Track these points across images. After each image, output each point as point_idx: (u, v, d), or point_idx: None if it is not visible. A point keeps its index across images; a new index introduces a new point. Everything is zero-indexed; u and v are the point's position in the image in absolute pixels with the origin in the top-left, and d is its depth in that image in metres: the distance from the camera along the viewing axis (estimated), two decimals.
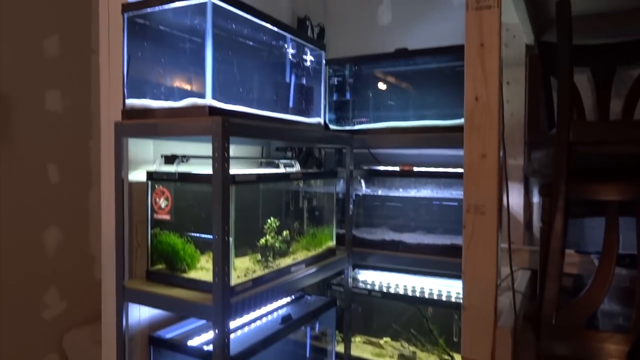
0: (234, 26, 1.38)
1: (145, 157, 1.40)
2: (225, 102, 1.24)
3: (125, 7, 1.29)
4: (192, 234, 1.36)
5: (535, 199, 1.97)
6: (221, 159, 1.12)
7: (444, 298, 1.82)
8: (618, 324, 1.45)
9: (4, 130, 2.01)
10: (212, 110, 1.18)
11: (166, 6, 1.23)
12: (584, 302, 1.23)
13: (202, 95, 1.21)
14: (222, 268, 1.15)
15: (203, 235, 1.35)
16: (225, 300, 1.16)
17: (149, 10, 1.27)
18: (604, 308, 1.46)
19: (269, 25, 1.44)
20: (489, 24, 1.13)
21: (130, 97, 1.31)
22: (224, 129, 1.11)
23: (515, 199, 1.93)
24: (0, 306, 1.97)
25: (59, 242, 2.20)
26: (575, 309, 1.23)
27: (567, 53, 1.20)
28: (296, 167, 1.79)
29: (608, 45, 1.70)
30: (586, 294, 1.23)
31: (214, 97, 1.19)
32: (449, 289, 1.86)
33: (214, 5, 1.17)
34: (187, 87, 1.40)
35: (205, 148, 1.49)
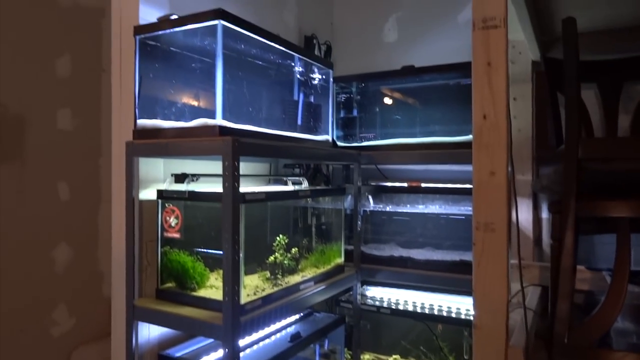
0: (243, 47, 1.41)
1: (156, 176, 1.42)
2: (235, 122, 1.26)
3: (137, 30, 1.31)
4: (202, 251, 1.37)
5: (544, 214, 1.96)
6: (231, 178, 1.13)
7: (453, 315, 1.81)
8: (632, 342, 1.43)
9: (17, 149, 2.04)
10: (223, 130, 1.19)
11: (177, 29, 1.26)
12: (597, 321, 1.21)
13: (213, 115, 1.22)
14: (232, 287, 1.15)
15: (212, 251, 1.35)
16: (235, 319, 1.16)
17: (160, 32, 1.30)
18: (617, 326, 1.44)
19: (277, 46, 1.46)
20: (495, 43, 1.14)
21: (141, 117, 1.33)
22: (234, 148, 1.13)
23: (524, 214, 1.92)
24: (10, 323, 1.98)
25: (68, 259, 2.21)
26: (588, 328, 1.22)
27: (574, 71, 1.21)
28: (304, 184, 1.80)
29: (614, 61, 1.71)
30: (599, 313, 1.21)
31: (224, 117, 1.21)
32: (459, 305, 1.85)
33: (224, 27, 1.19)
34: (198, 106, 1.42)
35: (214, 165, 1.50)
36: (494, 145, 1.16)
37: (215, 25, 1.18)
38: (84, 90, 2.28)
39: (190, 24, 1.23)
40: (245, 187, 1.55)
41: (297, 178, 1.80)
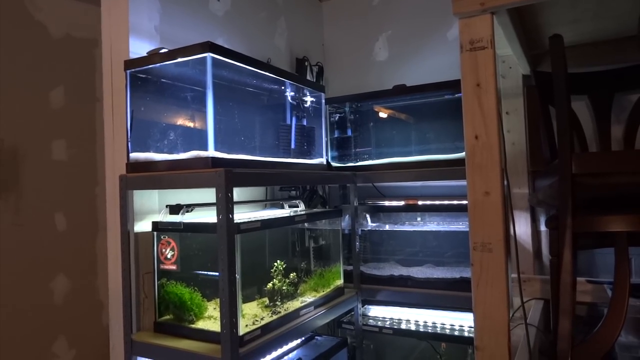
0: (233, 76, 1.41)
1: (151, 207, 1.41)
2: (228, 152, 1.26)
3: (128, 65, 1.32)
4: (199, 280, 1.36)
5: (543, 227, 1.96)
6: (225, 210, 1.13)
7: (456, 332, 1.79)
8: (637, 356, 1.42)
9: (13, 181, 2.04)
10: (215, 162, 1.19)
11: (167, 62, 1.26)
12: (600, 338, 1.20)
13: (205, 146, 1.22)
14: (229, 319, 1.14)
15: (209, 279, 1.34)
16: (234, 351, 1.15)
17: (150, 66, 1.30)
18: (622, 340, 1.43)
19: (267, 73, 1.47)
20: (484, 64, 1.15)
21: (134, 150, 1.33)
22: (227, 180, 1.12)
23: (522, 228, 1.92)
24: (9, 358, 1.96)
25: (67, 290, 2.20)
26: (592, 345, 1.20)
27: (564, 89, 1.21)
28: (301, 207, 1.79)
29: (604, 73, 1.71)
30: (601, 329, 1.20)
31: (216, 148, 1.21)
32: (462, 322, 1.83)
33: (213, 59, 1.20)
34: (190, 136, 1.42)
35: (209, 194, 1.49)
36: (487, 165, 1.15)
37: (204, 58, 1.19)
38: (78, 120, 2.29)
39: (180, 57, 1.24)
40: (240, 213, 1.54)
41: (293, 201, 1.79)
